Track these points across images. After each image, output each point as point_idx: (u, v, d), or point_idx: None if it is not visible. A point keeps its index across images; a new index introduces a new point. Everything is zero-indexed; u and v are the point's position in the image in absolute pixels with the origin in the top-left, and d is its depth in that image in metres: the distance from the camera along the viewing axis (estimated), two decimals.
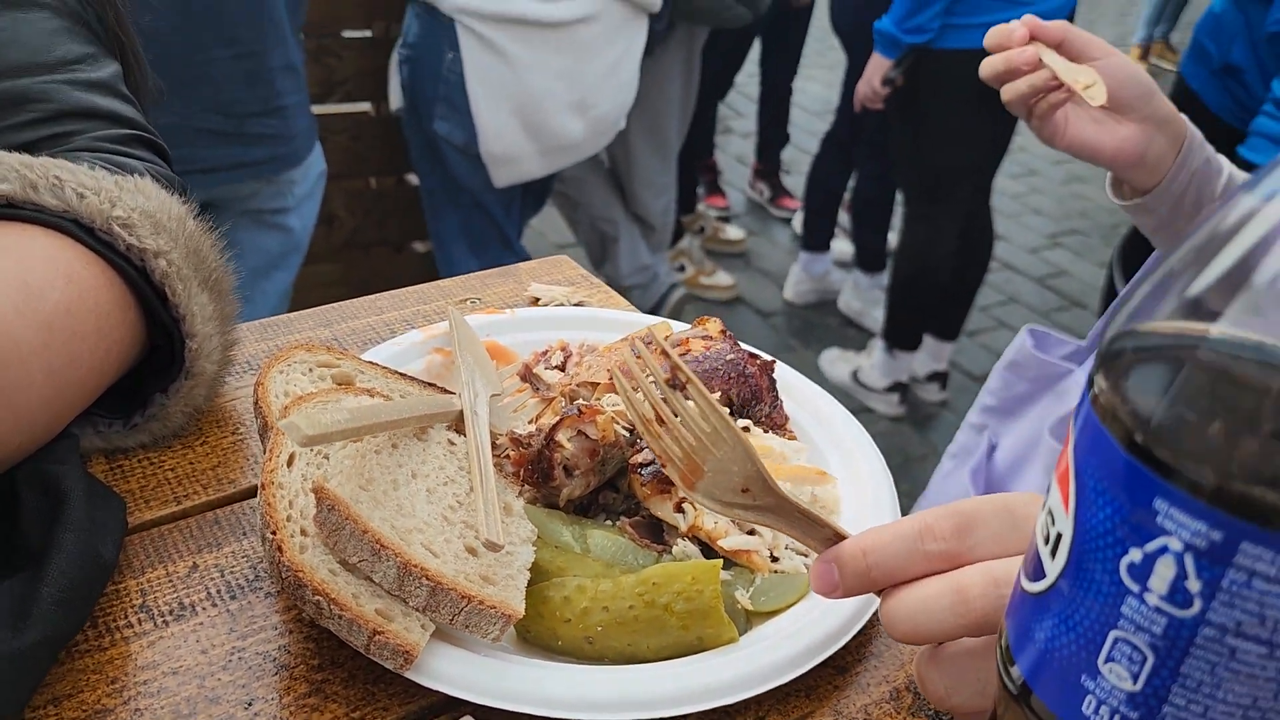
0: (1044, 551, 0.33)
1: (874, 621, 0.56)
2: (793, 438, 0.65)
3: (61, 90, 0.69)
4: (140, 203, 0.59)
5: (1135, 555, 0.29)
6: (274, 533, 0.49)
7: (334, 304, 0.80)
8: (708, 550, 0.57)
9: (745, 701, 0.51)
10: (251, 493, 0.61)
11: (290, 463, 0.52)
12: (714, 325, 0.68)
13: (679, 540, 0.57)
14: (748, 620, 0.55)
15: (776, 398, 0.66)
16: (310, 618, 0.49)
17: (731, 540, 0.56)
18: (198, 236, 0.63)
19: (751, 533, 0.57)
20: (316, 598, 0.47)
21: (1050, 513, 0.33)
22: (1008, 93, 0.87)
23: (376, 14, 2.47)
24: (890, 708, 0.52)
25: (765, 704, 0.52)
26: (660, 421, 0.44)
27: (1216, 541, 0.27)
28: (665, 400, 0.44)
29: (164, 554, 0.57)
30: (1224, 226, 0.29)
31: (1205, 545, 0.28)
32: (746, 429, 0.60)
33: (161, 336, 0.62)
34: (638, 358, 0.48)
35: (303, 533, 0.50)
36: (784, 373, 0.70)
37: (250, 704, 0.49)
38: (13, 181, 0.55)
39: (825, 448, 0.66)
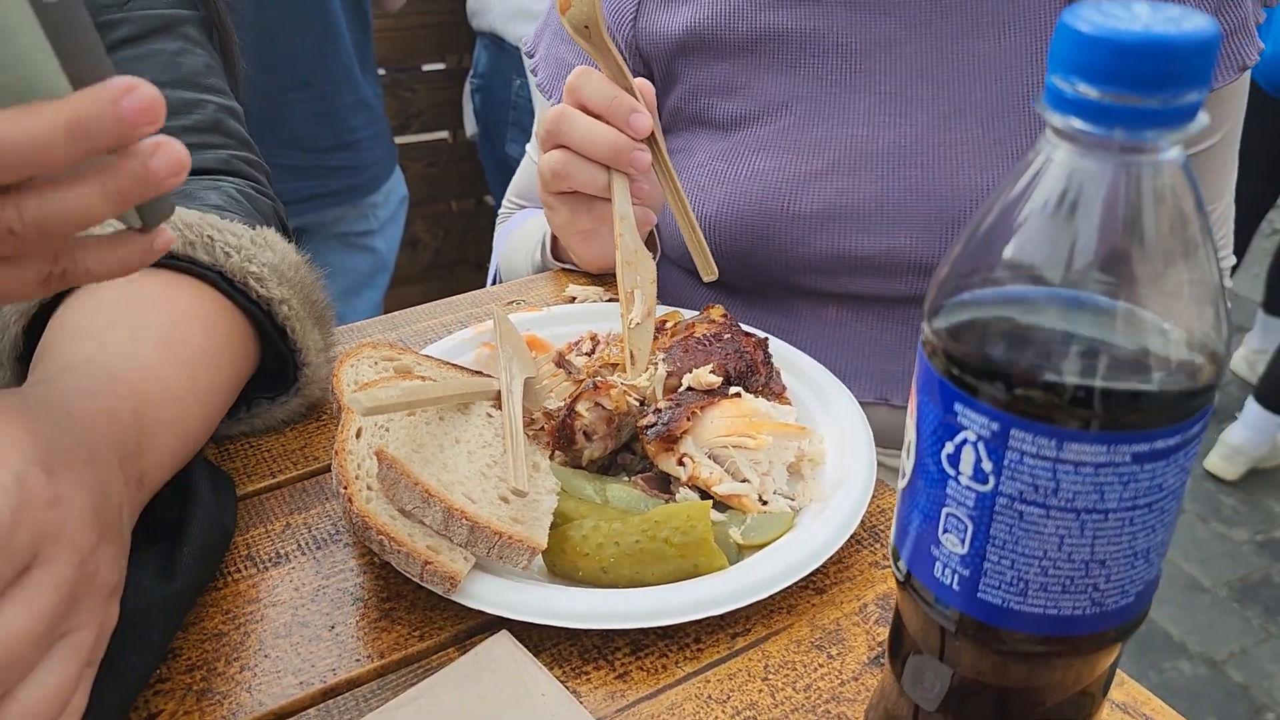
0: (903, 456, 0.43)
1: (846, 549, 0.66)
2: (788, 404, 0.75)
3: (212, 109, 0.84)
4: (269, 258, 0.73)
5: (949, 447, 0.39)
6: (345, 488, 0.61)
7: (399, 311, 0.93)
8: (707, 497, 0.67)
9: (735, 615, 0.62)
10: (331, 467, 0.74)
11: (358, 435, 0.65)
12: (717, 311, 0.79)
13: (681, 489, 0.68)
14: (739, 552, 0.65)
15: (772, 370, 0.76)
16: (376, 555, 0.61)
17: (725, 486, 0.67)
18: (310, 281, 0.77)
19: (743, 481, 0.67)
20: (380, 537, 0.59)
21: (906, 429, 0.43)
22: None
23: (448, 48, 2.63)
24: (858, 619, 0.62)
25: (752, 618, 0.62)
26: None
27: (996, 430, 0.37)
28: None
29: (263, 516, 0.70)
30: (999, 210, 0.39)
31: (989, 434, 0.38)
32: (738, 394, 0.70)
33: (271, 357, 0.75)
34: None
35: (368, 488, 0.62)
36: (784, 349, 0.81)
37: (333, 627, 0.61)
38: (177, 239, 0.69)
39: (817, 413, 0.76)
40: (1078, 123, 0.35)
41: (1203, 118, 0.35)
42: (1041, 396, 0.36)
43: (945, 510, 0.40)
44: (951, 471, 0.39)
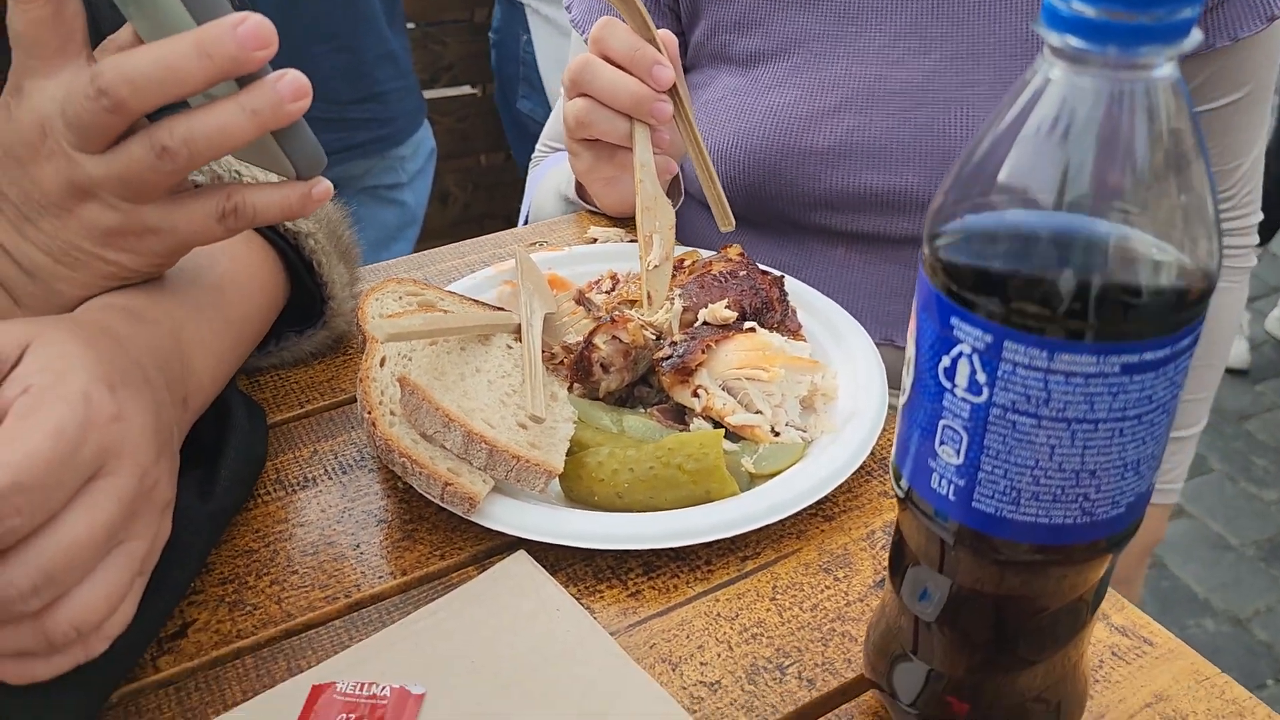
0: (904, 372, 0.44)
1: (856, 479, 0.68)
2: (803, 340, 0.77)
3: None
4: None
5: (946, 361, 0.40)
6: (369, 413, 0.63)
7: (425, 251, 0.95)
8: (720, 428, 0.69)
9: (745, 539, 0.63)
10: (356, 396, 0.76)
11: (382, 363, 0.67)
12: (734, 250, 0.80)
13: (695, 419, 0.69)
14: (751, 481, 0.67)
15: (787, 307, 0.77)
16: (399, 478, 0.64)
17: (738, 417, 0.68)
18: (335, 218, 0.79)
19: (757, 412, 0.69)
20: (402, 460, 0.62)
21: (907, 347, 0.44)
22: None
23: (477, 2, 2.63)
24: (865, 544, 0.64)
25: (762, 542, 0.64)
26: None
27: (990, 343, 0.39)
28: None
29: (292, 442, 0.72)
30: (997, 130, 0.39)
31: (983, 346, 0.39)
32: (752, 329, 0.72)
33: (299, 292, 0.77)
34: None
35: (391, 413, 0.64)
36: (800, 288, 0.82)
37: (358, 546, 0.64)
38: (205, 175, 0.71)
39: (832, 349, 0.77)
40: (1073, 40, 0.36)
41: (1196, 34, 0.36)
42: (1033, 309, 0.37)
43: (942, 422, 0.42)
44: (948, 384, 0.41)
